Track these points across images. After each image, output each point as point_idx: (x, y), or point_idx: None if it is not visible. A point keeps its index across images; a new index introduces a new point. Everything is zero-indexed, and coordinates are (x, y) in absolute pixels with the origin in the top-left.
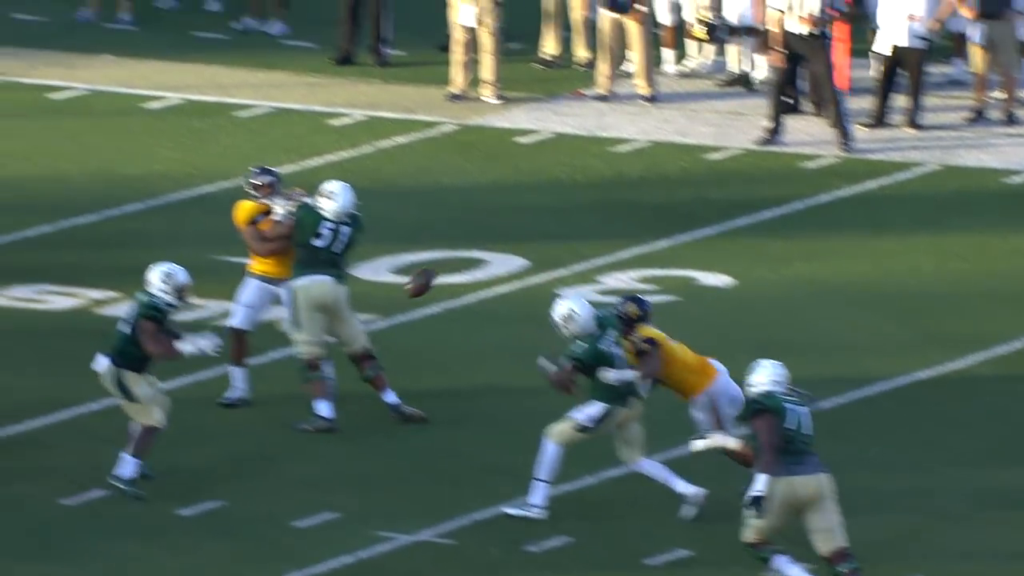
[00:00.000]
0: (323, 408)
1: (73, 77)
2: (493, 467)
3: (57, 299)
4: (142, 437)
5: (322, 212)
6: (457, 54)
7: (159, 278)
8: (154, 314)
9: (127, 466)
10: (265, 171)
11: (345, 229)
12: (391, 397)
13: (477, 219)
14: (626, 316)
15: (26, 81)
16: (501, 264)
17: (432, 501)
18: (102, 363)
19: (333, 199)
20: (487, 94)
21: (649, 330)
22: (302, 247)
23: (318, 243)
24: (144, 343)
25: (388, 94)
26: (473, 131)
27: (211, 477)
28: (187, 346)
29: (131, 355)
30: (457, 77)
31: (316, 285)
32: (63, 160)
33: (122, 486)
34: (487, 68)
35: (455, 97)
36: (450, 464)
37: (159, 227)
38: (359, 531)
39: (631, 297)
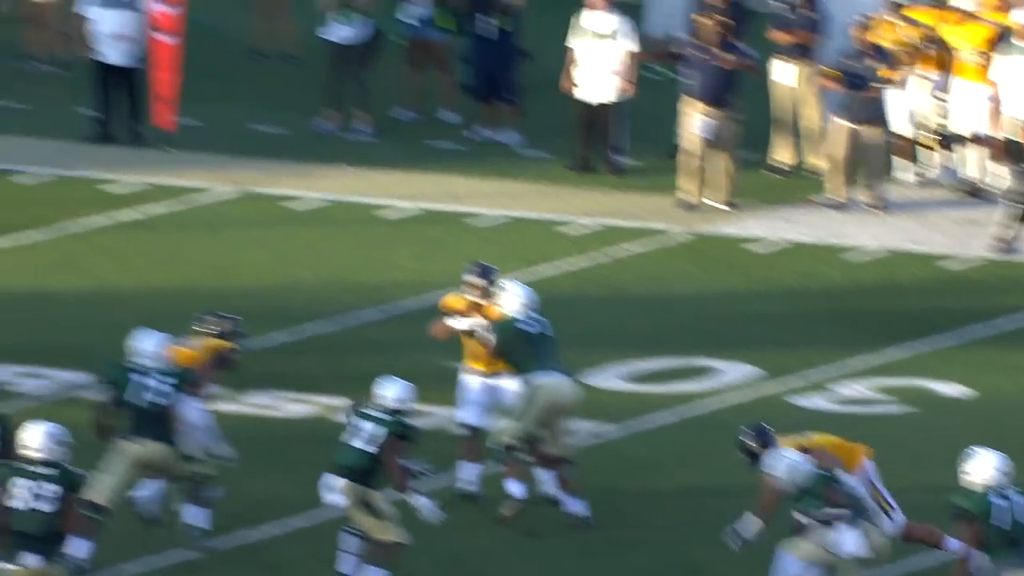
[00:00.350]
0: (515, 488)
1: (312, 187)
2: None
3: (293, 406)
4: (389, 552)
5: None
6: (690, 163)
7: (402, 394)
8: (405, 432)
9: None
10: (484, 270)
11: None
12: (575, 505)
13: (709, 327)
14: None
15: (267, 191)
16: (733, 372)
17: None
18: (337, 486)
19: (515, 295)
20: (719, 202)
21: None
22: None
23: (529, 329)
24: (389, 462)
25: (621, 202)
26: (705, 239)
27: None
28: (420, 499)
29: (375, 473)
30: (690, 186)
31: (557, 386)
32: (301, 269)
33: None
34: (720, 176)
35: (689, 206)
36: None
37: (394, 335)
38: None
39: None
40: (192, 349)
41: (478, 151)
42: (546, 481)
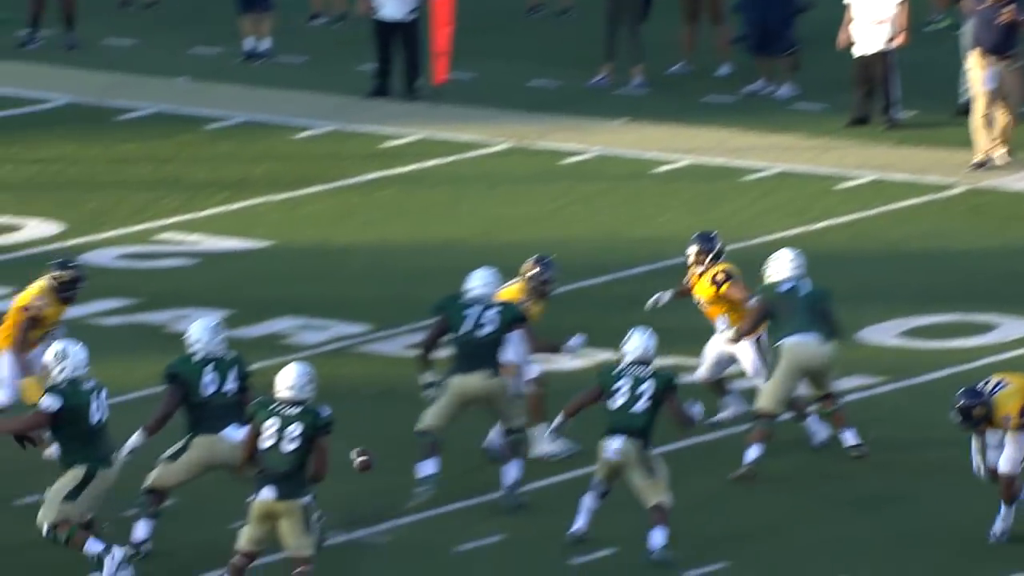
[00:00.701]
0: (753, 452)
1: (586, 141)
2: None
3: (566, 360)
4: (665, 514)
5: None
6: (979, 120)
7: (650, 343)
8: (675, 385)
9: (658, 537)
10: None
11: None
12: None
13: (987, 282)
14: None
15: (540, 146)
16: (1012, 328)
17: (944, 571)
18: (620, 443)
19: (784, 262)
20: (999, 155)
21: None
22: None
23: (789, 294)
24: (674, 411)
25: (898, 156)
26: (985, 193)
27: (717, 540)
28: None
29: (650, 432)
30: (982, 141)
31: (805, 347)
32: (574, 223)
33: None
34: (1001, 128)
35: (979, 165)
36: (960, 533)
37: (666, 288)
38: None
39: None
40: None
41: (752, 104)
42: (817, 432)
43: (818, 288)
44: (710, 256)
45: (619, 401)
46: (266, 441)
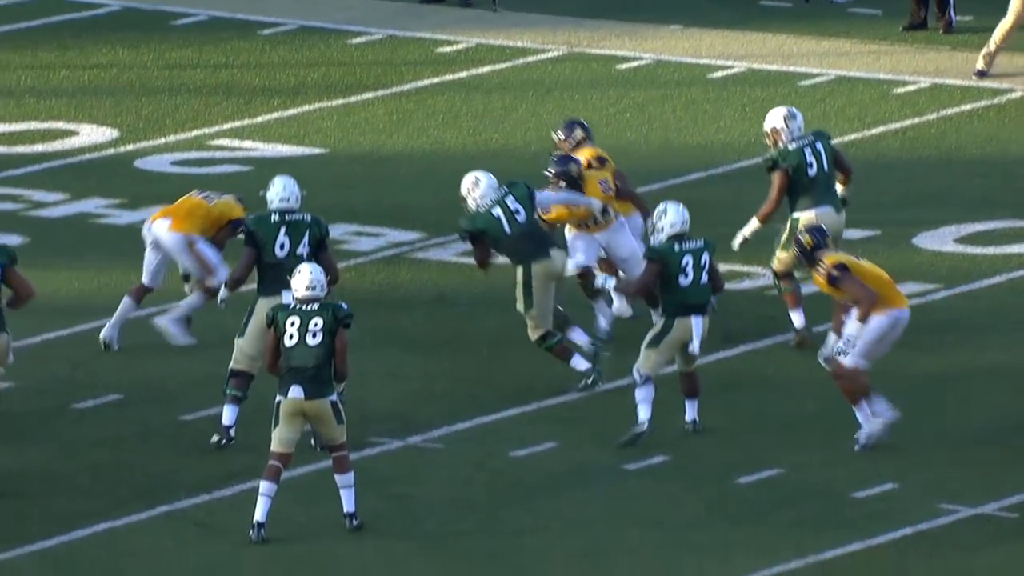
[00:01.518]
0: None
1: (641, 47)
2: None
3: None
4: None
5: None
6: None
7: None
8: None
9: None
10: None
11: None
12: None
13: None
14: (803, 248)
15: (595, 52)
16: None
17: (996, 473)
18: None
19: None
20: None
21: (833, 256)
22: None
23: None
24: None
25: (955, 61)
26: None
27: (769, 445)
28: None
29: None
30: None
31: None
32: (629, 130)
33: None
34: None
35: None
36: (1018, 437)
37: (720, 196)
38: (920, 503)
39: (806, 228)
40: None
41: (808, 10)
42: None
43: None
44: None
45: (690, 277)
46: (289, 340)
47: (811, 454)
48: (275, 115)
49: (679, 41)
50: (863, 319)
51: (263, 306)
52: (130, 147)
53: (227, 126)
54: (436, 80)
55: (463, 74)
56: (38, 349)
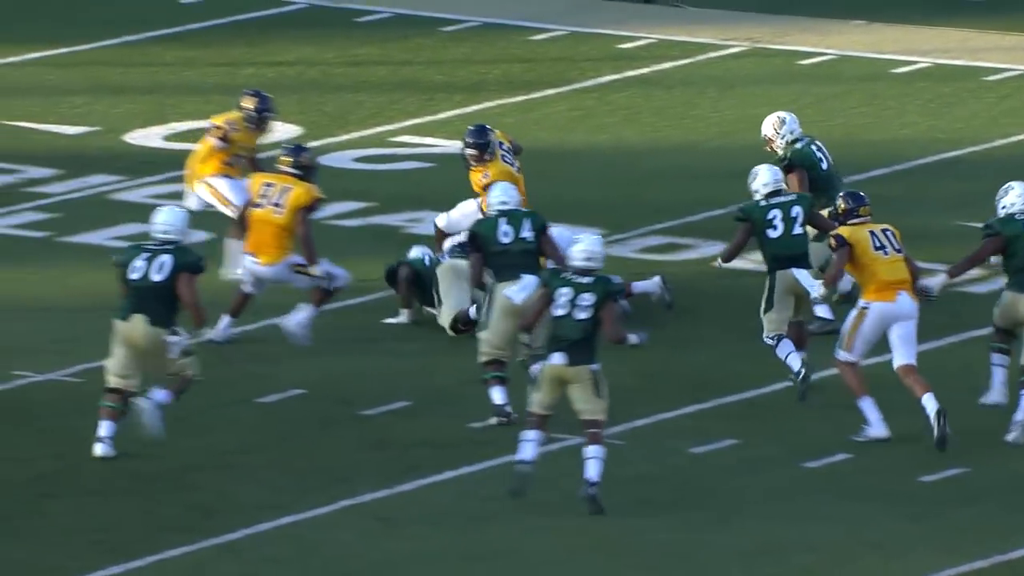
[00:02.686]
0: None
1: (824, 43)
2: None
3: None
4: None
5: None
6: None
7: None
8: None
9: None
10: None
11: None
12: None
13: None
14: (836, 211)
15: (776, 47)
16: None
17: None
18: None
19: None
20: None
21: (850, 229)
22: None
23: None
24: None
25: None
26: None
27: (952, 444)
28: None
29: None
30: None
31: None
32: (810, 126)
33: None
34: None
35: None
36: None
37: (902, 192)
38: None
39: (847, 193)
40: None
41: (997, 4)
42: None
43: None
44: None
45: (779, 229)
46: (558, 309)
47: (996, 453)
48: (456, 112)
49: (862, 36)
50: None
51: (499, 292)
52: (314, 143)
53: (409, 123)
54: (617, 76)
55: (644, 70)
56: (220, 346)
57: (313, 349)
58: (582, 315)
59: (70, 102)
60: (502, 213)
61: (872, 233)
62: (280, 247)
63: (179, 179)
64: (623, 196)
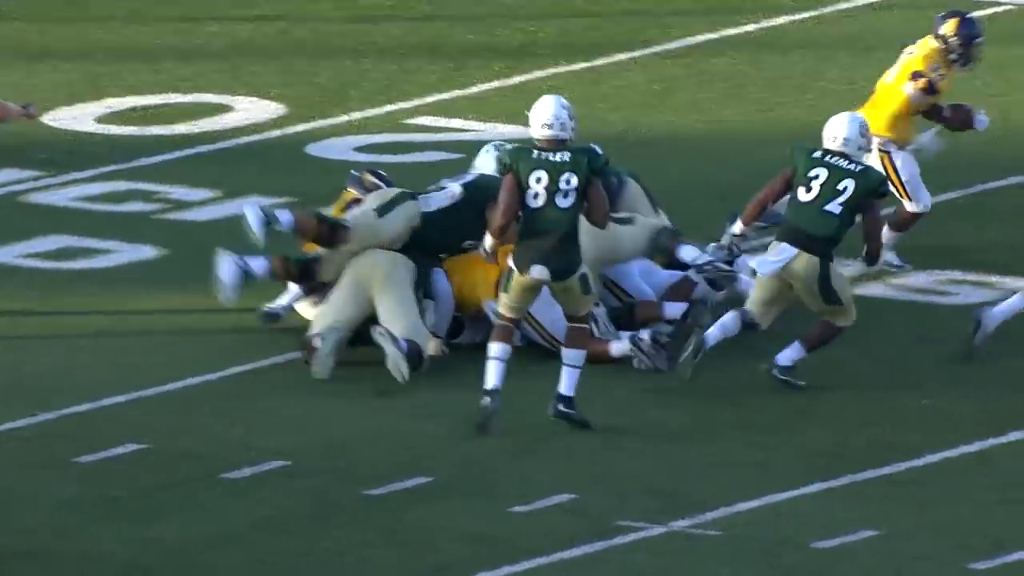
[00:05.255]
0: None
1: None
2: None
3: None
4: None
5: None
6: None
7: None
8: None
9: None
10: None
11: None
12: None
13: None
14: None
15: None
16: None
17: None
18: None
19: None
20: None
21: None
22: None
23: None
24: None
25: None
26: None
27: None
28: None
29: (837, 243)
30: None
31: None
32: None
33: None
34: None
35: None
36: None
37: None
38: None
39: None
40: None
41: None
42: None
43: None
44: None
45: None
46: (533, 200)
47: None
48: (494, 84)
49: None
50: None
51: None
52: (301, 127)
53: (430, 99)
54: (713, 35)
55: (750, 27)
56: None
57: (298, 403)
58: (565, 202)
59: None
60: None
61: None
62: None
63: (118, 175)
64: (722, 197)
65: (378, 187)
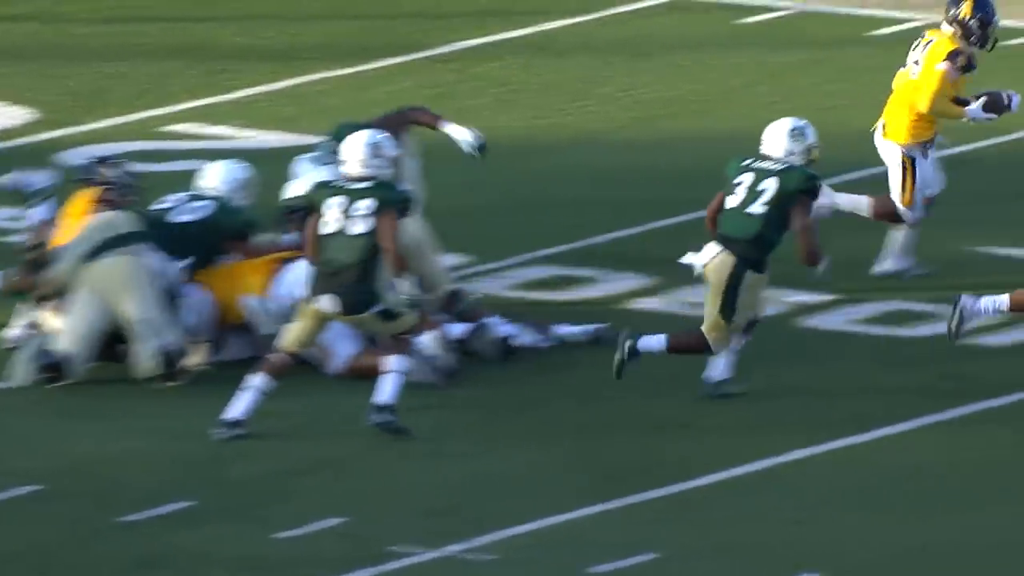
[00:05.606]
0: None
1: None
2: None
3: None
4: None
5: None
6: None
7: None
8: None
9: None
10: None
11: None
12: None
13: None
14: None
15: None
16: None
17: None
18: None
19: None
20: None
21: None
22: None
23: None
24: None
25: None
26: None
27: None
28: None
29: (765, 247)
30: None
31: None
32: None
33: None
34: None
35: None
36: None
37: None
38: None
39: None
40: None
41: None
42: None
43: None
44: None
45: None
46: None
47: None
48: (258, 89)
49: None
50: None
51: None
52: (52, 134)
53: (189, 105)
54: (487, 39)
55: (525, 31)
56: None
57: (46, 424)
58: (358, 229)
59: None
60: None
61: None
62: None
63: None
64: (497, 211)
65: (110, 186)
